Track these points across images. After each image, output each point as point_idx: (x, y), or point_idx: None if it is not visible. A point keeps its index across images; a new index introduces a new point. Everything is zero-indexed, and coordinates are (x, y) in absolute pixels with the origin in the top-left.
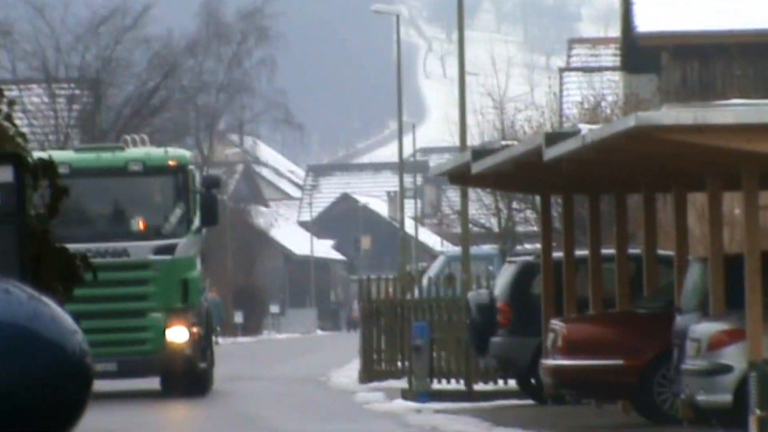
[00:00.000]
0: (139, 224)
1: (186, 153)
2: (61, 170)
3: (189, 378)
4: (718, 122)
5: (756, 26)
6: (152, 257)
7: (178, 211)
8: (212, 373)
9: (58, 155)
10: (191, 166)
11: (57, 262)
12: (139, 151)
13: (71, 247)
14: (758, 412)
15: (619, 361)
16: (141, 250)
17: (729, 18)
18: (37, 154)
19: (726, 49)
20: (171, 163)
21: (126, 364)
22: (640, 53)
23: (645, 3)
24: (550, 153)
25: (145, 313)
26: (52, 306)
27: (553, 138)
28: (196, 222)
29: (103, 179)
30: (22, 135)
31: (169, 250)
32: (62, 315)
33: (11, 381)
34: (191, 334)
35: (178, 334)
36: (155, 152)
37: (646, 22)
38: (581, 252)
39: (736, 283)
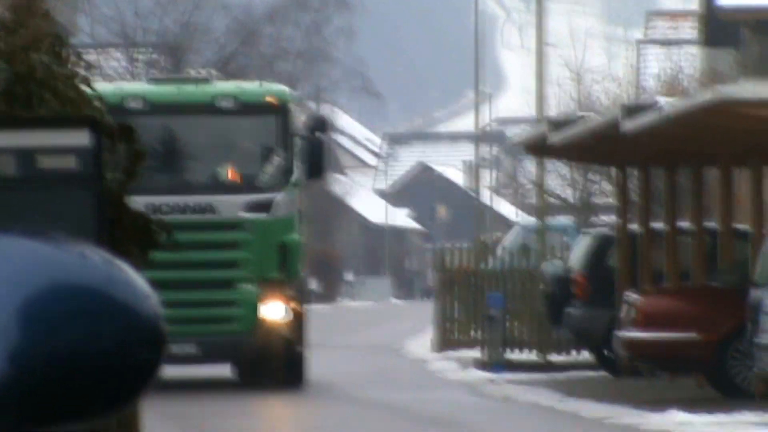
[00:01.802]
0: (229, 174)
1: (286, 89)
2: (135, 105)
3: (285, 365)
4: None
5: None
6: (244, 215)
7: (276, 159)
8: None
9: (131, 87)
10: (293, 105)
11: (134, 227)
12: (229, 84)
13: (146, 199)
14: None
15: (694, 335)
16: (230, 205)
17: None
18: (105, 87)
19: None
20: (269, 99)
21: (209, 346)
22: (719, 27)
23: None
24: (628, 125)
25: (234, 284)
26: (126, 270)
27: (630, 110)
28: (298, 173)
29: (186, 117)
30: (101, 99)
31: (265, 206)
32: (137, 279)
33: (84, 344)
34: (290, 310)
35: (274, 311)
36: (249, 86)
37: None
38: (657, 225)
39: None
